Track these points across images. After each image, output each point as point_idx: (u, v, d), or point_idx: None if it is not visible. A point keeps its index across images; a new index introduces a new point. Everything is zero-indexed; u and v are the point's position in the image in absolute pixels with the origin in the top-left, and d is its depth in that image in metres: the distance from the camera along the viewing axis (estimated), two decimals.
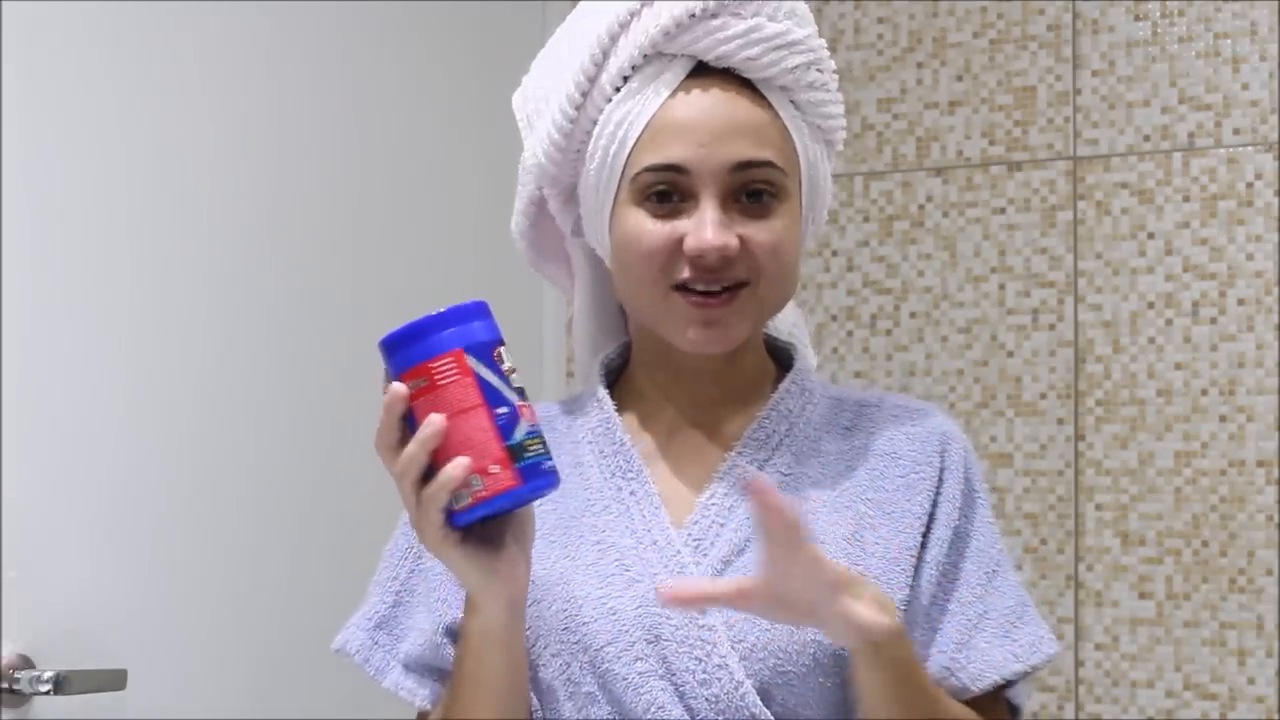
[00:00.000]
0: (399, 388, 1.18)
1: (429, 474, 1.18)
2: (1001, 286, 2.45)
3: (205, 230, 2.08)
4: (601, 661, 1.30)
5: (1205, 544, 2.31)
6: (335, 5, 2.27)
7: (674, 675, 1.29)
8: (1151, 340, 2.36)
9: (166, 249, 2.03)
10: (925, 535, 1.35)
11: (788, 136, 1.36)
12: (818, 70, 1.37)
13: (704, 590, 1.23)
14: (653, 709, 1.28)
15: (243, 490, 2.10)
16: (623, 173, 1.35)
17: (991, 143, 2.47)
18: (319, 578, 2.20)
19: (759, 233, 1.32)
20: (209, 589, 2.05)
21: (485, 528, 1.22)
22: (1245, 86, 2.33)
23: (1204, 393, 2.33)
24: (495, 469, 1.18)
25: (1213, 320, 2.33)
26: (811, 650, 1.29)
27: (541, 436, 1.21)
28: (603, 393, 1.41)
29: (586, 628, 1.31)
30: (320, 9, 2.24)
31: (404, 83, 2.39)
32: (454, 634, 1.34)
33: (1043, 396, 2.41)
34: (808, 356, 1.48)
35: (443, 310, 1.19)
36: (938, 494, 1.36)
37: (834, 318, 2.54)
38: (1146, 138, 2.38)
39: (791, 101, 1.36)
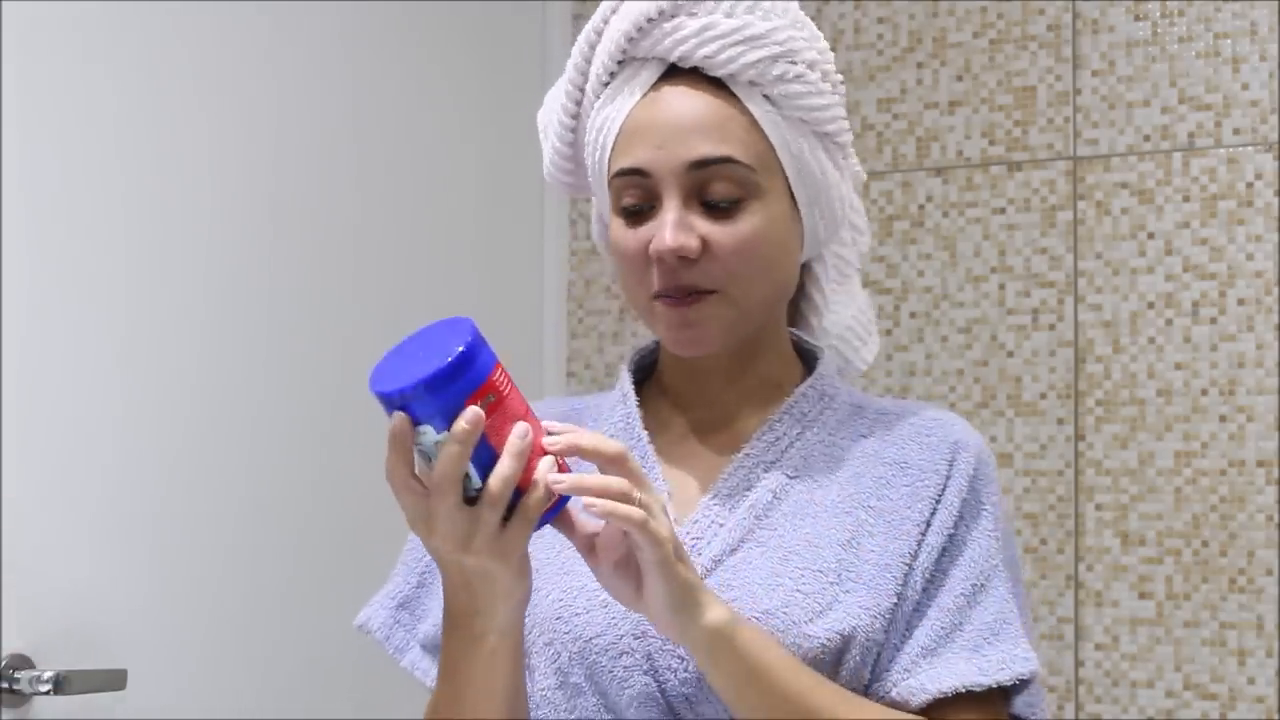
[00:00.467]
0: (476, 411, 1.14)
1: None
2: (1001, 286, 2.45)
3: (205, 230, 2.08)
4: (590, 653, 1.30)
5: (1205, 544, 2.31)
6: (335, 6, 2.27)
7: (657, 672, 1.29)
8: (1151, 340, 2.36)
9: (166, 249, 2.02)
10: (920, 542, 1.34)
11: (759, 133, 1.34)
12: (789, 62, 1.35)
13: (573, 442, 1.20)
14: (635, 703, 1.28)
15: (243, 490, 2.10)
16: (605, 179, 1.37)
17: (991, 143, 2.47)
18: (319, 578, 2.20)
19: (723, 235, 1.32)
20: (209, 589, 2.05)
21: None
22: (1245, 86, 2.33)
23: (1204, 393, 2.33)
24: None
25: (1213, 320, 2.33)
26: (792, 651, 1.28)
27: None
28: (629, 387, 1.42)
29: (579, 618, 1.31)
30: (320, 9, 2.24)
31: (404, 84, 2.39)
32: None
33: (1043, 396, 2.41)
34: (864, 355, 1.48)
35: (466, 336, 1.16)
36: (938, 501, 1.36)
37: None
38: (1146, 138, 2.38)
39: (765, 96, 1.35)
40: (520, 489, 1.17)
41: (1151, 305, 2.36)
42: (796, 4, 1.40)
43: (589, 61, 1.38)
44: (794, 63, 1.36)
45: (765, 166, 1.34)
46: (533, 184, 2.56)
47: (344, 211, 2.28)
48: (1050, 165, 2.43)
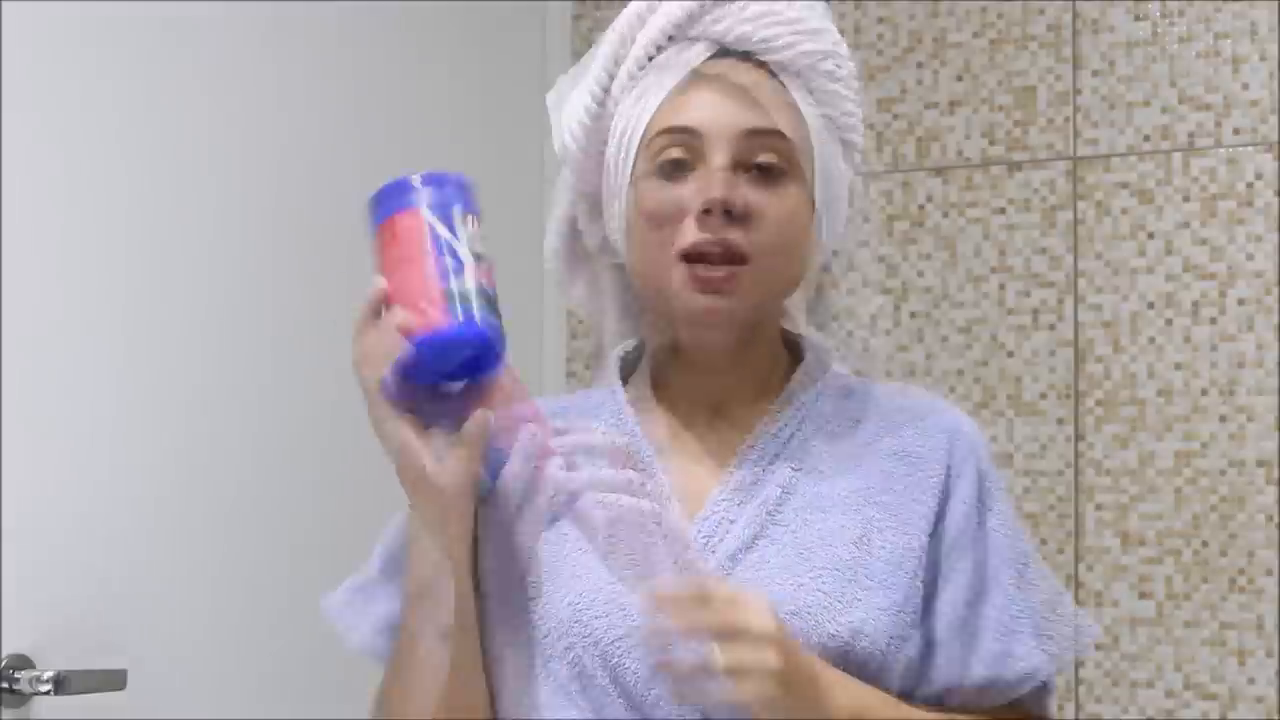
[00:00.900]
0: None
1: None
2: (1001, 286, 2.45)
3: (205, 230, 2.08)
4: (612, 656, 1.30)
5: (1205, 544, 2.31)
6: (335, 5, 2.27)
7: None
8: (1151, 340, 2.36)
9: (167, 249, 2.02)
10: (931, 535, 1.35)
11: (801, 120, 1.38)
12: (834, 63, 1.41)
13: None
14: (662, 703, 1.28)
15: (243, 490, 2.10)
16: (640, 143, 1.37)
17: (991, 143, 2.47)
18: (319, 577, 2.19)
19: (767, 203, 1.34)
20: (209, 589, 2.05)
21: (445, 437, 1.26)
22: (1245, 86, 2.33)
23: (1204, 393, 2.33)
24: (426, 306, 1.18)
25: (1213, 320, 2.33)
26: (816, 653, 1.28)
27: (494, 304, 1.23)
28: (617, 385, 1.42)
29: (598, 621, 1.31)
30: (320, 9, 2.24)
31: (404, 83, 2.39)
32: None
33: (1043, 396, 2.41)
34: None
35: (420, 173, 1.21)
36: (946, 493, 1.37)
37: (834, 318, 2.54)
38: (1146, 138, 2.38)
39: (808, 89, 1.39)
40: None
41: (1151, 305, 2.36)
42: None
43: (635, 35, 1.39)
44: (838, 65, 1.41)
45: (803, 152, 1.38)
46: (533, 183, 2.56)
47: (344, 211, 2.28)
48: (1050, 165, 2.43)
